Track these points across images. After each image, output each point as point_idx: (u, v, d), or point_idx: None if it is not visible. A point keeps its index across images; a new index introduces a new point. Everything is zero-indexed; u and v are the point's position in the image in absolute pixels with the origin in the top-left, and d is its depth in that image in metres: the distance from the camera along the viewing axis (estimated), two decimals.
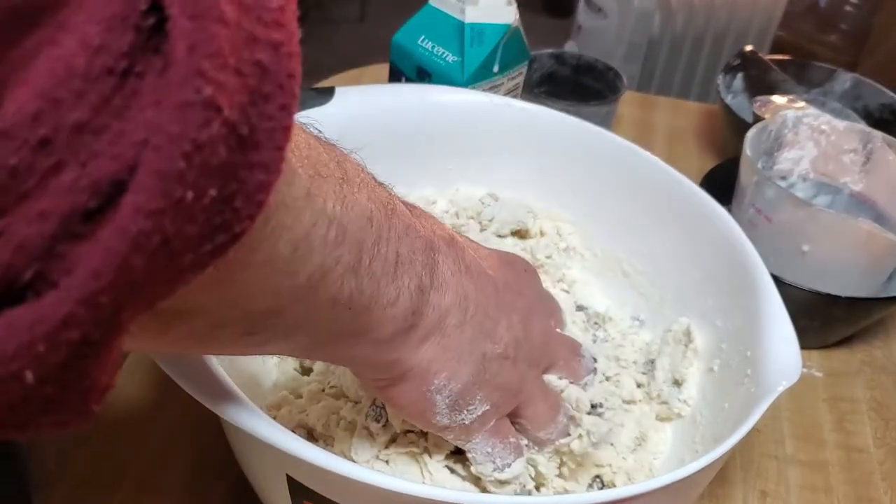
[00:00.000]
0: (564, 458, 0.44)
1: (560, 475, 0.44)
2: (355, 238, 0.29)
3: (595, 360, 0.47)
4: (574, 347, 0.46)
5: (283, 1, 0.19)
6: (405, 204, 0.36)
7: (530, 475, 0.43)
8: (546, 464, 0.43)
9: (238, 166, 0.18)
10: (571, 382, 0.45)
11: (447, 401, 0.37)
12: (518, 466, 0.41)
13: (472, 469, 0.41)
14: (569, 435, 0.43)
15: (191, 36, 0.16)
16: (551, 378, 0.44)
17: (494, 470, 0.40)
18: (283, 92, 0.19)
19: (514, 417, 0.42)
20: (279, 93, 0.19)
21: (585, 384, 0.46)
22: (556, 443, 0.43)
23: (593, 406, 0.45)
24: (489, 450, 0.40)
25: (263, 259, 0.24)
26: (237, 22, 0.17)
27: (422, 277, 0.34)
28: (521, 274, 0.43)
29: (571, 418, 0.43)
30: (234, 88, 0.17)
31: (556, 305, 0.49)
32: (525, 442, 0.43)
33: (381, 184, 0.34)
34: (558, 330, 0.47)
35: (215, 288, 0.23)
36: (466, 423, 0.38)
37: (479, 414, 0.38)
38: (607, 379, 0.49)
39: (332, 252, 0.27)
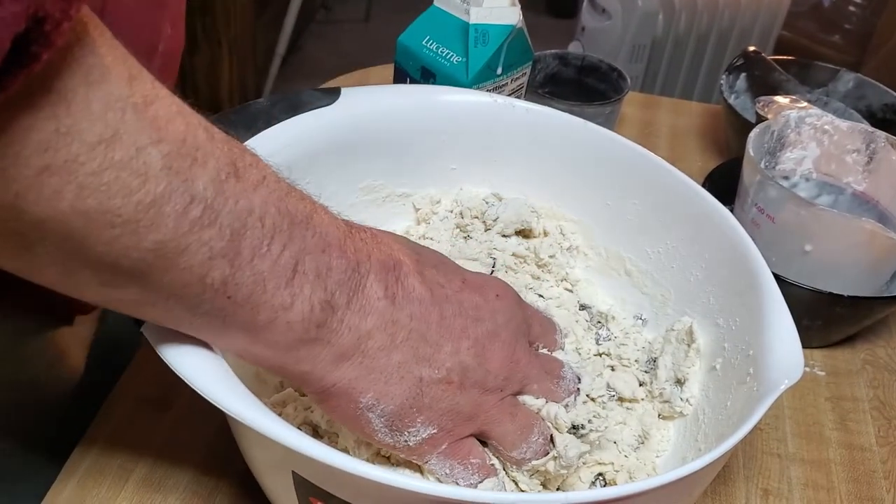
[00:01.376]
0: (548, 477, 0.44)
1: (546, 490, 0.44)
2: (232, 228, 0.31)
3: (579, 379, 0.46)
4: (552, 369, 0.45)
5: None
6: (345, 224, 0.37)
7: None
8: (528, 481, 0.43)
9: None
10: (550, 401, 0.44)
11: (382, 420, 0.38)
12: (487, 487, 0.41)
13: None
14: (546, 454, 0.43)
15: None
16: (527, 398, 0.43)
17: None
18: None
19: (484, 438, 0.42)
20: None
21: (567, 405, 0.45)
22: (531, 463, 0.42)
23: (575, 427, 0.44)
24: (447, 471, 0.40)
25: (96, 208, 0.27)
26: None
27: (334, 295, 0.35)
28: (490, 300, 0.42)
29: (550, 437, 0.43)
30: None
31: (546, 328, 0.48)
32: (492, 462, 0.42)
33: (304, 199, 0.35)
34: (545, 351, 0.47)
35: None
36: (411, 444, 0.39)
37: (424, 436, 0.39)
38: (592, 400, 0.49)
39: (192, 230, 0.29)
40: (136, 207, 0.27)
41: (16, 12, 0.21)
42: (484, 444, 0.42)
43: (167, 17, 0.45)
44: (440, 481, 0.41)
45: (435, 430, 0.39)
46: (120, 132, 0.26)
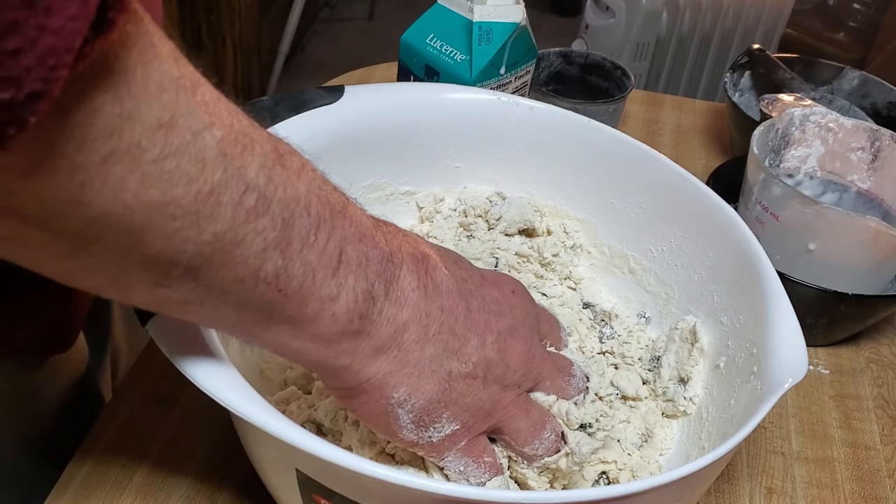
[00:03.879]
0: (556, 475, 0.44)
1: (553, 488, 0.44)
2: (282, 216, 0.30)
3: (587, 378, 0.47)
4: (563, 367, 0.45)
5: None
6: (372, 219, 0.37)
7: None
8: (536, 478, 0.43)
9: (20, 22, 0.19)
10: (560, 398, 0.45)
11: (411, 416, 0.37)
12: (493, 486, 0.41)
13: None
14: (558, 451, 0.43)
15: None
16: (538, 394, 0.44)
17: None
18: None
19: (497, 434, 0.42)
20: None
21: (576, 403, 0.45)
22: (544, 459, 0.42)
23: (583, 426, 0.45)
24: (461, 468, 0.40)
25: (158, 199, 0.26)
26: None
27: (374, 285, 0.34)
28: (507, 295, 0.42)
29: (562, 434, 0.43)
30: None
31: (553, 325, 0.49)
32: (501, 460, 0.42)
33: (336, 189, 0.35)
34: (552, 349, 0.47)
35: (98, 220, 0.25)
36: (434, 440, 0.39)
37: (447, 432, 0.39)
38: (600, 399, 0.49)
39: (248, 220, 0.29)
40: (195, 197, 0.27)
41: None
42: (491, 440, 0.42)
43: None
44: (447, 478, 0.41)
45: (457, 426, 0.39)
46: (176, 116, 0.26)
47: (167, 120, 0.25)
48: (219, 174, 0.27)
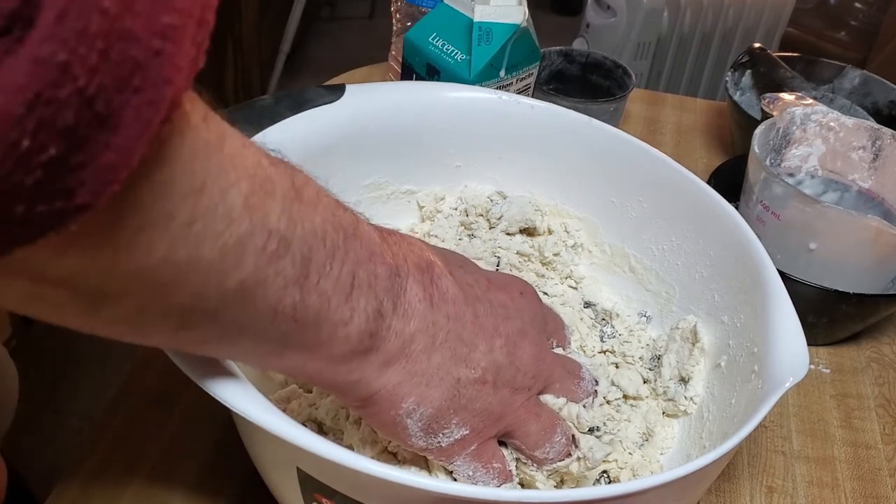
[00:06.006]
0: (566, 478, 0.44)
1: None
2: (301, 254, 0.30)
3: (596, 382, 0.47)
4: (573, 369, 0.45)
5: (179, 21, 0.20)
6: (377, 229, 0.37)
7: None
8: (545, 481, 0.43)
9: (88, 139, 0.19)
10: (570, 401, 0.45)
11: (420, 424, 0.37)
12: None
13: None
14: (569, 455, 0.43)
15: (61, 7, 0.17)
16: (548, 397, 0.44)
17: None
18: (155, 90, 0.20)
19: (508, 437, 0.42)
20: (150, 90, 0.20)
21: (584, 406, 0.45)
22: (556, 464, 0.43)
23: (590, 430, 0.45)
24: (471, 473, 0.40)
25: (185, 258, 0.26)
26: (117, 15, 0.18)
27: (382, 302, 0.35)
28: (515, 297, 0.42)
29: (572, 438, 0.43)
30: (97, 68, 0.18)
31: (558, 325, 0.49)
32: (510, 464, 0.42)
33: (346, 208, 0.35)
34: (560, 350, 0.47)
35: (133, 276, 0.25)
36: (443, 445, 0.39)
37: (456, 438, 0.39)
38: (608, 403, 0.49)
39: (270, 263, 0.29)
40: (221, 250, 0.27)
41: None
42: (501, 444, 0.42)
43: None
44: (455, 480, 0.41)
45: (467, 431, 0.39)
46: (206, 180, 0.25)
47: (198, 186, 0.25)
48: (244, 226, 0.27)
